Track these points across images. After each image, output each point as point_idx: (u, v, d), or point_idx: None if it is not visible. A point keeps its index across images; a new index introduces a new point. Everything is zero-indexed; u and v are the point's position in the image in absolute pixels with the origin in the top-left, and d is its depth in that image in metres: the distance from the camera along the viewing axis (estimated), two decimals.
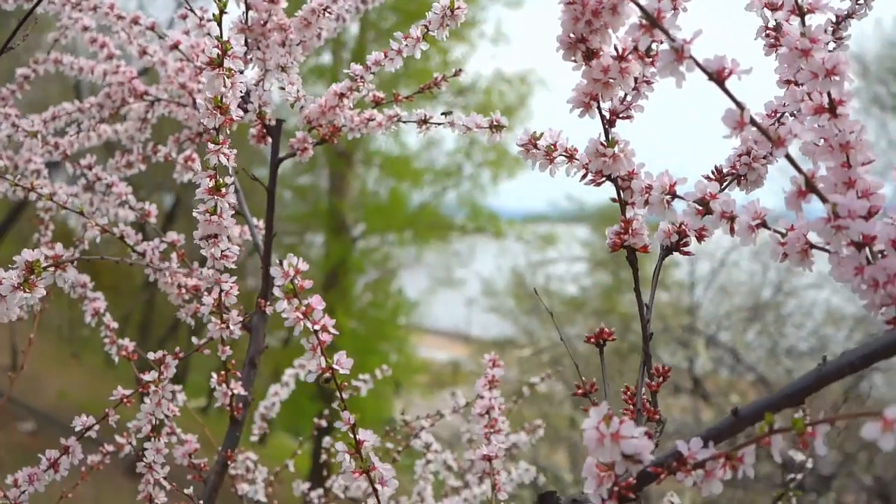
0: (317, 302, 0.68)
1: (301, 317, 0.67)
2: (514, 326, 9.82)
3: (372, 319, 11.07)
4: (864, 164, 0.59)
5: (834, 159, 0.59)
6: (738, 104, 0.55)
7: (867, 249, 0.55)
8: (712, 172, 0.75)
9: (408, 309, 11.52)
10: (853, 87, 0.61)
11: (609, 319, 7.89)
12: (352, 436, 0.70)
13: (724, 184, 0.75)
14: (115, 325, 1.17)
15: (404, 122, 1.02)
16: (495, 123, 0.89)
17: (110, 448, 1.14)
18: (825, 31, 0.78)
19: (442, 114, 1.01)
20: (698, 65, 0.55)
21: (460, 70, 1.08)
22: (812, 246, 0.60)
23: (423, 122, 1.01)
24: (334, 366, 0.68)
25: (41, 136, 1.21)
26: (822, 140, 0.60)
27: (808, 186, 0.56)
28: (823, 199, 0.56)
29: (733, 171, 0.75)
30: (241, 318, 0.99)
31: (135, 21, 1.15)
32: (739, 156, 0.75)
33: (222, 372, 1.03)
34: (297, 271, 0.66)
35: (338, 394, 0.69)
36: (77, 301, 1.21)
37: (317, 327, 0.67)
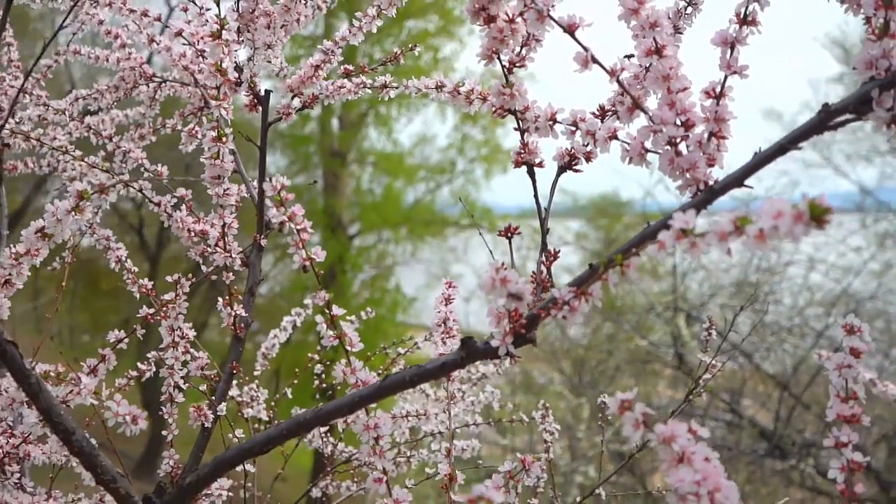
0: (298, 209, 0.91)
1: (287, 219, 0.90)
2: None
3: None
4: (681, 91, 0.82)
5: (660, 87, 0.82)
6: (584, 48, 0.79)
7: (677, 147, 0.79)
8: (597, 108, 0.99)
9: (405, 305, 11.74)
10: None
11: (602, 308, 8.12)
12: (327, 311, 0.93)
13: (606, 117, 0.98)
14: (135, 269, 1.40)
15: (369, 88, 1.26)
16: (439, 84, 1.13)
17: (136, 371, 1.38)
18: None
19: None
20: (555, 21, 0.78)
21: (415, 45, 1.32)
22: (647, 150, 0.83)
23: (384, 86, 1.24)
24: (312, 255, 0.91)
25: (69, 114, 1.45)
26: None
27: (635, 105, 0.80)
28: (646, 113, 0.79)
29: (612, 107, 0.98)
30: (241, 250, 1.22)
31: (144, 14, 1.39)
32: (616, 95, 0.98)
33: (227, 297, 1.26)
34: (283, 186, 0.90)
35: (315, 279, 0.93)
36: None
37: (299, 227, 0.90)
